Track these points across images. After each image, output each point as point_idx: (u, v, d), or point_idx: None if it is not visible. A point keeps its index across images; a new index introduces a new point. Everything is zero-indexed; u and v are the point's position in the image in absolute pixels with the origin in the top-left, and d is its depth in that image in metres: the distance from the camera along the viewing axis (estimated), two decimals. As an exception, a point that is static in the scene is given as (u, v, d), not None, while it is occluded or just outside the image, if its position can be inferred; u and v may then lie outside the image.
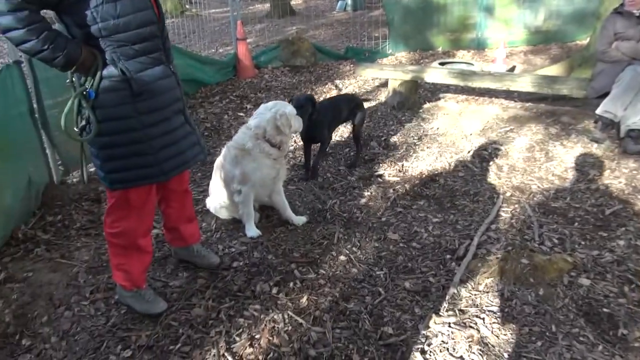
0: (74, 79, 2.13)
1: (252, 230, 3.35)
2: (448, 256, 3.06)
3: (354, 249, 3.18)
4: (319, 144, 4.25)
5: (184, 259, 3.03)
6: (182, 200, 2.75)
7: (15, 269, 3.01)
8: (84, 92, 2.09)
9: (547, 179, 4.02)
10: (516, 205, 3.61)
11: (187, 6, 17.24)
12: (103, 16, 1.96)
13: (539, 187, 3.89)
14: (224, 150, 3.48)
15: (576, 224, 3.35)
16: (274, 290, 2.78)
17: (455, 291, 2.71)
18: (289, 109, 3.29)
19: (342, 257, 3.09)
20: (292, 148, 4.82)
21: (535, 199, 3.71)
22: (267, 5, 16.21)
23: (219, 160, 3.51)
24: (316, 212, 3.64)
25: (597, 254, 2.98)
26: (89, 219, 3.63)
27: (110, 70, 2.08)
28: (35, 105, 3.86)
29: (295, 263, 3.04)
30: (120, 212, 2.38)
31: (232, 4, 7.52)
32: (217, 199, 3.54)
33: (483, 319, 2.52)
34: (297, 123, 3.36)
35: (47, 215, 3.65)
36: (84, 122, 2.14)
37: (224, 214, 3.55)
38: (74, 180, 4.31)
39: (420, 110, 5.76)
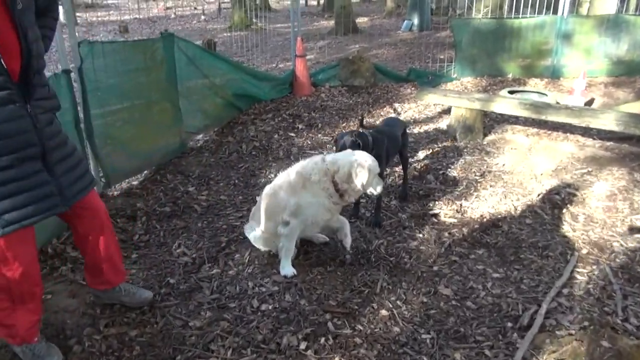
0: None
1: (287, 269, 3.04)
2: (509, 324, 2.60)
3: (398, 302, 2.79)
4: None
5: (111, 302, 2.70)
6: (97, 236, 2.44)
7: (36, 289, 2.85)
8: None
9: (632, 236, 3.45)
10: (594, 267, 3.09)
11: (254, 20, 17.51)
12: None
13: (622, 245, 3.34)
14: (281, 176, 3.17)
15: (670, 297, 2.79)
16: (302, 346, 2.44)
17: (517, 371, 2.27)
18: (373, 164, 2.96)
19: (383, 312, 2.70)
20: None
21: (617, 260, 3.16)
22: (332, 22, 16.15)
23: (271, 187, 3.20)
24: (359, 253, 3.28)
25: (699, 342, 2.43)
26: (121, 238, 3.45)
27: None
28: (81, 115, 3.78)
29: (330, 313, 2.69)
30: None
31: (294, 19, 7.36)
32: (257, 228, 3.24)
33: (550, 413, 2.06)
34: (376, 183, 3.02)
35: (80, 230, 3.52)
36: None
37: (260, 245, 3.26)
38: (115, 193, 4.20)
39: (485, 143, 5.28)
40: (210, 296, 2.85)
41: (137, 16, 19.67)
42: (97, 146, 3.94)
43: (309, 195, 2.96)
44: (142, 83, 4.42)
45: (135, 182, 4.43)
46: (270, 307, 2.74)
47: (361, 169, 2.89)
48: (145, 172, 4.60)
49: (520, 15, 8.80)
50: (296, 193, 2.99)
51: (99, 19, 18.93)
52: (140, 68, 4.35)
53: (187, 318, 2.66)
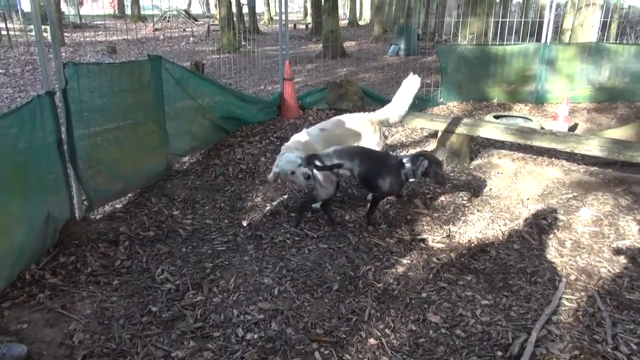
0: None
1: None
2: (499, 353, 2.56)
3: (386, 330, 2.73)
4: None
5: None
6: None
7: (11, 318, 2.75)
8: None
9: (618, 261, 3.45)
10: (582, 293, 3.07)
11: (243, 42, 17.65)
12: None
13: (609, 271, 3.33)
14: None
15: (658, 325, 2.78)
16: (289, 377, 2.37)
17: (507, 403, 2.22)
18: None
19: (372, 340, 2.64)
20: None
21: (605, 286, 3.15)
22: (321, 45, 16.34)
23: None
24: (347, 279, 3.22)
25: (689, 371, 2.41)
26: (102, 264, 3.36)
27: None
28: (64, 137, 3.71)
29: (317, 342, 2.62)
30: None
31: (281, 42, 7.41)
32: None
33: None
34: None
35: (60, 256, 3.42)
36: None
37: None
38: (98, 217, 4.11)
39: (471, 167, 5.31)
40: (193, 325, 2.76)
41: (126, 37, 19.72)
42: (80, 169, 3.87)
43: None
44: (128, 105, 4.36)
45: (118, 206, 4.34)
46: (255, 336, 2.67)
47: None
48: (130, 195, 4.51)
49: (504, 42, 8.99)
50: None
51: (87, 39, 18.91)
52: (126, 90, 4.30)
53: (169, 348, 2.57)
